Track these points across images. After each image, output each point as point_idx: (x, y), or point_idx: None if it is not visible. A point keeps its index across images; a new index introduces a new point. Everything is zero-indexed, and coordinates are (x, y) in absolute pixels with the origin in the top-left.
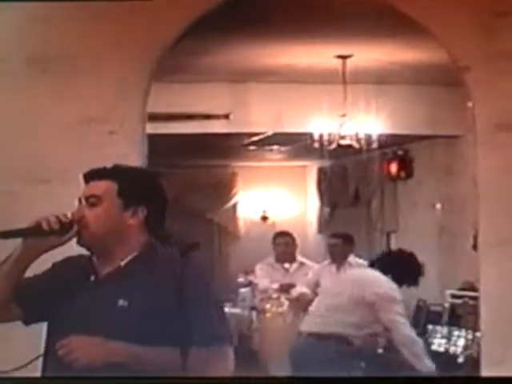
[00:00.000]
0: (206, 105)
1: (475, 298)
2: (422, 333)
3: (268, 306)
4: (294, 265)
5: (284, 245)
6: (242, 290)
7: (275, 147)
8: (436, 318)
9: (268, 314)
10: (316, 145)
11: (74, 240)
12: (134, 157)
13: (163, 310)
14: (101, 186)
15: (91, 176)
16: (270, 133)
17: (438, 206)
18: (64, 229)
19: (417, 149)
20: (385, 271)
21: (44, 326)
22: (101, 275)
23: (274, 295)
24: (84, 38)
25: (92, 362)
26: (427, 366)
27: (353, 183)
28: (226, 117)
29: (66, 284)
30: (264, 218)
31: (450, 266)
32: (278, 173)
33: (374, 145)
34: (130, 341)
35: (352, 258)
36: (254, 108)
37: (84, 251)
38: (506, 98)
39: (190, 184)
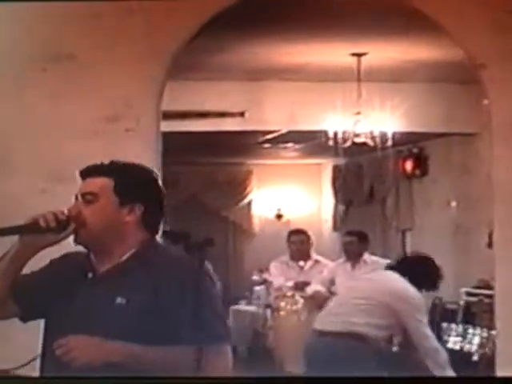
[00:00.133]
0: (221, 103)
1: (490, 296)
2: (437, 331)
3: (283, 303)
4: (309, 263)
5: (299, 243)
6: (257, 287)
7: (290, 145)
8: (451, 316)
9: (282, 312)
10: (331, 143)
11: (72, 237)
12: (150, 154)
13: (162, 308)
14: (97, 183)
15: (88, 173)
16: (284, 131)
17: (454, 203)
18: (61, 226)
19: (432, 147)
20: (403, 276)
21: (42, 323)
22: (99, 272)
23: (289, 293)
24: (100, 37)
25: (90, 361)
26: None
27: (368, 181)
28: (241, 115)
29: (64, 281)
30: (279, 216)
31: (465, 263)
32: (292, 171)
33: (389, 143)
34: (127, 339)
35: (367, 256)
36: (268, 106)
37: (82, 248)
38: None
39: (205, 182)
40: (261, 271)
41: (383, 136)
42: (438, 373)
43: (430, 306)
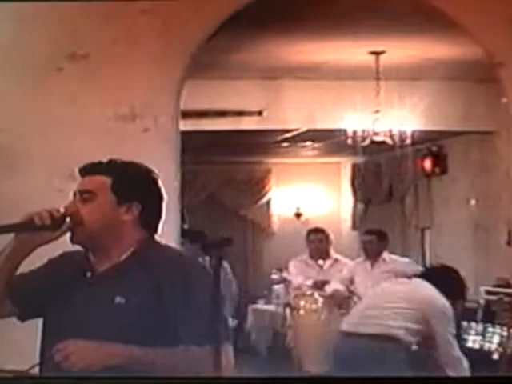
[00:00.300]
0: (240, 102)
1: (510, 295)
2: (457, 330)
3: (302, 302)
4: (328, 261)
5: (318, 241)
6: (276, 286)
7: (308, 144)
8: (471, 315)
9: (302, 311)
10: (349, 141)
11: (69, 236)
12: (168, 154)
13: (161, 307)
14: (95, 181)
15: (87, 170)
16: (303, 129)
17: (473, 202)
18: (56, 223)
19: (451, 145)
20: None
21: (41, 323)
22: (97, 272)
23: (308, 292)
24: (116, 36)
25: (90, 365)
26: None
27: (387, 179)
28: (260, 113)
29: (62, 280)
30: (298, 215)
31: (485, 262)
32: (311, 169)
33: (408, 141)
34: (127, 338)
35: (386, 255)
36: (287, 105)
37: (80, 247)
38: None
39: (224, 181)
40: (280, 270)
41: (402, 134)
42: None
43: None
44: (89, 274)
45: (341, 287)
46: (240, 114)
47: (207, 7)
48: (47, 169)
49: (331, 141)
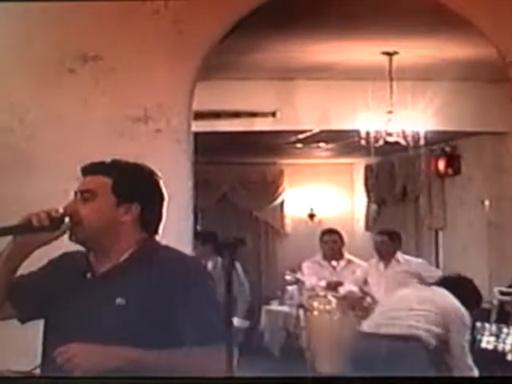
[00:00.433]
0: (253, 102)
1: None
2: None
3: (315, 303)
4: (342, 262)
5: (331, 242)
6: (289, 287)
7: (322, 144)
8: (484, 316)
9: (315, 312)
10: (363, 142)
11: (67, 235)
12: (180, 155)
13: (162, 308)
14: (96, 181)
15: (89, 170)
16: (316, 130)
17: (487, 202)
18: (55, 224)
19: (464, 145)
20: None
21: (42, 324)
22: (98, 273)
23: (322, 293)
24: (128, 37)
25: (92, 368)
26: None
27: (400, 180)
28: (273, 114)
29: (62, 281)
30: (311, 216)
31: (499, 262)
32: (324, 170)
33: (421, 141)
34: (127, 339)
35: (399, 256)
36: (300, 105)
37: (80, 248)
38: None
39: (237, 182)
40: (293, 271)
41: (415, 135)
42: None
43: None
44: (89, 275)
45: (354, 288)
46: (253, 115)
47: (221, 8)
48: (58, 170)
49: (344, 142)
